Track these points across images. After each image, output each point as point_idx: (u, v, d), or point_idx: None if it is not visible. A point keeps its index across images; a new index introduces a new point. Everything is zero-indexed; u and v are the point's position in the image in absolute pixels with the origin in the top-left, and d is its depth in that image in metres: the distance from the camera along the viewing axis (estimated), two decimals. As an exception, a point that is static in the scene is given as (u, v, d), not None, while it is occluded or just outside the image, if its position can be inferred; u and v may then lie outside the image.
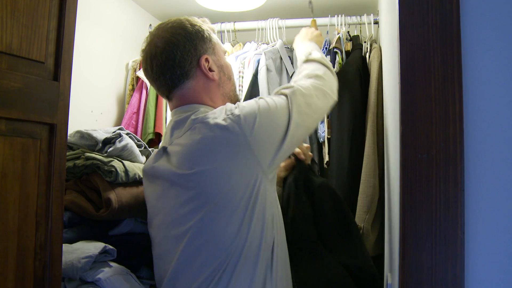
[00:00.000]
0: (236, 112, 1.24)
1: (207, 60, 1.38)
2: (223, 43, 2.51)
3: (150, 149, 1.88)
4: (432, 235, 0.85)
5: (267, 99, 1.30)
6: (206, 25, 1.43)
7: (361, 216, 1.90)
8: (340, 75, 2.19)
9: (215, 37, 1.44)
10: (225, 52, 1.50)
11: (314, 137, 2.49)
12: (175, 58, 1.34)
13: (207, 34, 1.40)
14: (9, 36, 1.09)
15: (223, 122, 1.22)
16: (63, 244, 1.32)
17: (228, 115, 1.24)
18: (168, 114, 2.46)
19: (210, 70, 1.38)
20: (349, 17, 2.49)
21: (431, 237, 0.85)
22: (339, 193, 2.02)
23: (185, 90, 1.38)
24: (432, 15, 0.88)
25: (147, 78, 1.44)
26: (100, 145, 1.75)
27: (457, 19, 0.87)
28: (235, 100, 1.46)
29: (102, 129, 1.86)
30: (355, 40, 2.44)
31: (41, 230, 1.19)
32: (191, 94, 1.38)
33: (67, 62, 1.25)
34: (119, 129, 1.86)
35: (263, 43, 2.59)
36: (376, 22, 2.45)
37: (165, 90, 1.41)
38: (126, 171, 1.64)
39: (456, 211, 0.84)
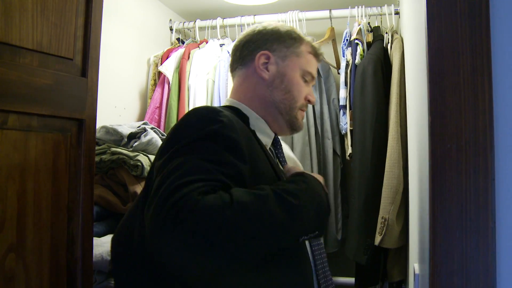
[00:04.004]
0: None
1: (267, 56, 1.26)
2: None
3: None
4: (462, 225, 0.84)
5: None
6: (300, 38, 1.29)
7: (386, 208, 1.89)
8: (362, 66, 2.19)
9: (300, 51, 1.28)
10: (312, 77, 1.30)
11: (336, 129, 2.49)
12: (243, 42, 1.32)
13: (287, 38, 1.27)
14: (39, 34, 1.11)
15: None
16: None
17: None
18: (190, 108, 2.47)
19: (266, 68, 1.26)
20: (369, 8, 2.47)
21: (461, 227, 0.84)
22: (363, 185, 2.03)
23: (236, 78, 1.33)
24: (461, 3, 0.87)
25: None
26: (126, 139, 1.78)
27: (486, 8, 0.85)
28: (286, 117, 1.26)
29: (127, 124, 1.89)
30: (376, 31, 2.42)
31: (72, 224, 1.22)
32: (236, 85, 1.33)
33: (95, 58, 1.27)
34: (144, 123, 1.89)
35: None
36: (397, 13, 2.42)
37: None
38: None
39: (486, 201, 0.83)
